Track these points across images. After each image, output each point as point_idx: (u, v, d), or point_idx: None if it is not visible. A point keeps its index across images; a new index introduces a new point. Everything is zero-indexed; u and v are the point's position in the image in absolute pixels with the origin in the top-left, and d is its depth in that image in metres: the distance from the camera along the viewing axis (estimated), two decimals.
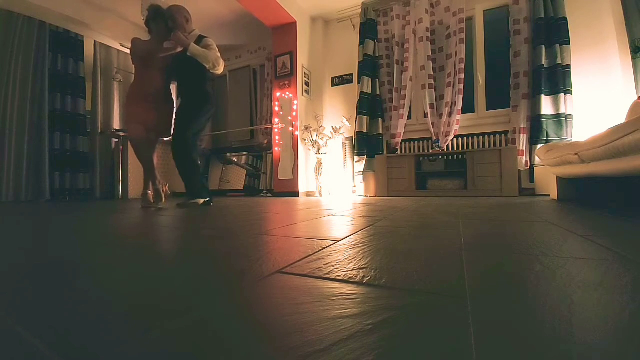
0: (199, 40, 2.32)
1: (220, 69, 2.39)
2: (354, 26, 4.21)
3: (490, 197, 2.88)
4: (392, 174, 3.59)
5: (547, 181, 2.62)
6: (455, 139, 3.51)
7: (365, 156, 3.87)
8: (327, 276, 0.50)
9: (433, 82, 3.55)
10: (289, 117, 3.98)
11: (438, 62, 3.63)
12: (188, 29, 2.32)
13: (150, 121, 2.29)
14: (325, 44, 4.50)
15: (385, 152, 3.85)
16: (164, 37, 2.32)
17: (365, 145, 3.86)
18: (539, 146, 2.95)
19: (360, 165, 3.91)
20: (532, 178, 3.10)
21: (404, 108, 3.68)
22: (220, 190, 4.75)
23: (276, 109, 4.08)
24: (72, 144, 3.97)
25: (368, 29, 3.87)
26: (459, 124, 3.45)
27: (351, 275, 0.50)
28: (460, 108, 3.39)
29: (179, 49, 2.24)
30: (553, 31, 3.00)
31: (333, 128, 3.98)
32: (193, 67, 2.31)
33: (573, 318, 0.33)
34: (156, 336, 0.31)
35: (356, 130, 3.88)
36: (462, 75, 3.35)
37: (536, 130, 3.03)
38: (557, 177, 2.25)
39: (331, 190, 4.14)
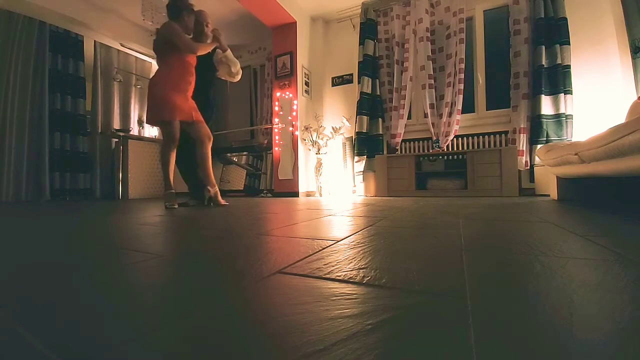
0: None
1: (239, 76, 2.49)
2: (354, 26, 4.21)
3: (490, 197, 2.88)
4: (392, 174, 3.59)
5: (547, 181, 2.62)
6: (455, 139, 3.51)
7: (365, 156, 3.87)
8: (327, 276, 0.50)
9: (433, 82, 3.55)
10: (289, 117, 3.98)
11: (438, 62, 3.63)
12: None
13: (189, 111, 2.18)
14: (325, 44, 4.50)
15: (385, 152, 3.85)
16: (188, 31, 2.30)
17: (365, 145, 3.86)
18: (539, 146, 2.95)
19: (360, 165, 3.91)
20: (532, 178, 3.10)
21: (404, 108, 3.68)
22: (221, 190, 4.73)
23: (276, 109, 4.08)
24: (72, 144, 3.97)
25: (368, 29, 3.87)
26: (459, 124, 3.45)
27: (351, 275, 0.50)
28: (460, 108, 3.39)
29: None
30: (553, 31, 3.00)
31: (333, 128, 3.98)
32: (204, 72, 2.34)
33: (573, 318, 0.33)
34: (156, 337, 0.31)
35: (356, 130, 3.88)
36: (462, 75, 3.35)
37: (536, 130, 3.03)
38: (557, 177, 2.25)
39: (331, 190, 4.14)
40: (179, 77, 2.15)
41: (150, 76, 2.29)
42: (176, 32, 2.09)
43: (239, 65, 2.44)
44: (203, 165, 2.26)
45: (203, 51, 2.19)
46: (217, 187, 2.32)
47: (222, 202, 2.32)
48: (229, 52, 2.35)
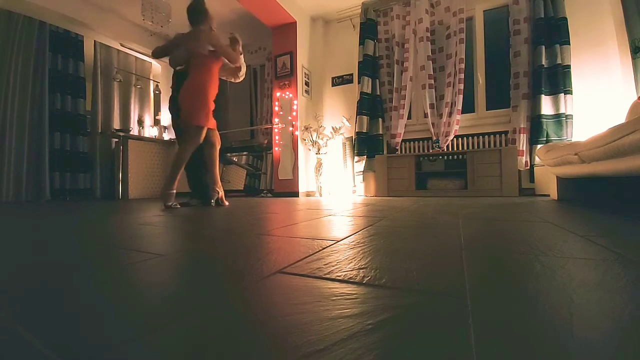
0: None
1: (243, 78, 2.61)
2: (354, 26, 4.21)
3: (490, 197, 2.88)
4: (392, 174, 3.59)
5: (547, 181, 2.62)
6: (455, 139, 3.51)
7: (365, 156, 3.87)
8: (328, 276, 0.50)
9: (433, 82, 3.55)
10: (289, 117, 3.98)
11: (438, 62, 3.63)
12: None
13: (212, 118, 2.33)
14: (325, 44, 4.50)
15: (385, 152, 3.85)
16: None
17: (365, 145, 3.86)
18: (539, 146, 2.95)
19: (360, 165, 3.91)
20: (532, 178, 3.10)
21: (404, 108, 3.68)
22: None
23: (276, 109, 4.08)
24: (72, 144, 3.98)
25: (368, 29, 3.87)
26: (459, 124, 3.44)
27: (351, 275, 0.50)
28: (460, 108, 3.38)
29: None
30: (553, 31, 3.00)
31: (333, 128, 3.98)
32: None
33: (573, 318, 0.33)
34: (156, 337, 0.31)
35: (356, 130, 3.88)
36: (462, 75, 3.35)
37: (536, 130, 3.03)
38: (557, 177, 2.25)
39: (331, 190, 4.14)
40: (215, 85, 2.26)
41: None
42: (221, 42, 2.20)
43: (245, 68, 2.54)
44: (213, 167, 2.34)
45: (240, 60, 2.33)
46: (222, 188, 2.40)
47: (226, 202, 2.36)
48: (242, 55, 2.44)
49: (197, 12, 2.21)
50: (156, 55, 2.36)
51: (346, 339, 0.29)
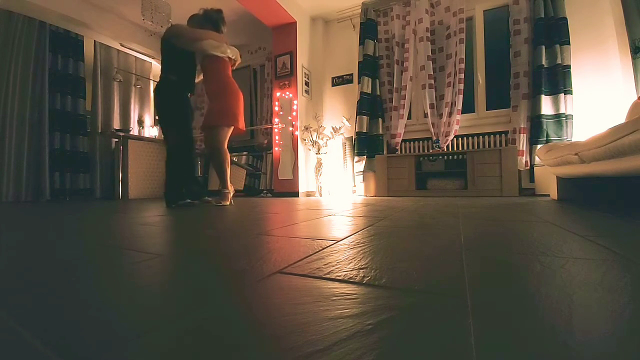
0: None
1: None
2: (354, 26, 4.21)
3: (490, 197, 2.88)
4: (392, 174, 3.59)
5: (547, 181, 2.62)
6: (455, 139, 3.51)
7: (365, 156, 3.87)
8: (327, 276, 0.50)
9: (433, 82, 3.55)
10: (289, 117, 3.98)
11: (438, 62, 3.63)
12: None
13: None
14: (325, 44, 4.50)
15: (385, 152, 3.85)
16: None
17: (365, 145, 3.86)
18: (539, 146, 2.95)
19: (360, 165, 3.91)
20: (532, 178, 3.10)
21: (404, 108, 3.68)
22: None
23: (276, 109, 4.08)
24: (72, 144, 3.97)
25: (368, 29, 3.87)
26: (459, 124, 3.45)
27: (351, 275, 0.50)
28: (460, 108, 3.39)
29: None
30: (553, 31, 3.00)
31: (333, 128, 3.98)
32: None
33: (573, 318, 0.33)
34: (156, 337, 0.31)
35: (356, 130, 3.88)
36: (462, 75, 3.35)
37: (536, 130, 3.03)
38: (557, 177, 2.25)
39: (331, 190, 4.14)
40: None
41: (224, 82, 2.46)
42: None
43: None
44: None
45: None
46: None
47: (225, 202, 2.38)
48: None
49: (223, 22, 2.47)
50: (173, 38, 2.24)
51: (346, 339, 0.29)
